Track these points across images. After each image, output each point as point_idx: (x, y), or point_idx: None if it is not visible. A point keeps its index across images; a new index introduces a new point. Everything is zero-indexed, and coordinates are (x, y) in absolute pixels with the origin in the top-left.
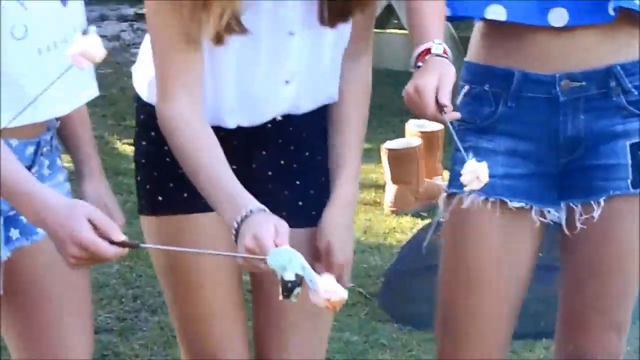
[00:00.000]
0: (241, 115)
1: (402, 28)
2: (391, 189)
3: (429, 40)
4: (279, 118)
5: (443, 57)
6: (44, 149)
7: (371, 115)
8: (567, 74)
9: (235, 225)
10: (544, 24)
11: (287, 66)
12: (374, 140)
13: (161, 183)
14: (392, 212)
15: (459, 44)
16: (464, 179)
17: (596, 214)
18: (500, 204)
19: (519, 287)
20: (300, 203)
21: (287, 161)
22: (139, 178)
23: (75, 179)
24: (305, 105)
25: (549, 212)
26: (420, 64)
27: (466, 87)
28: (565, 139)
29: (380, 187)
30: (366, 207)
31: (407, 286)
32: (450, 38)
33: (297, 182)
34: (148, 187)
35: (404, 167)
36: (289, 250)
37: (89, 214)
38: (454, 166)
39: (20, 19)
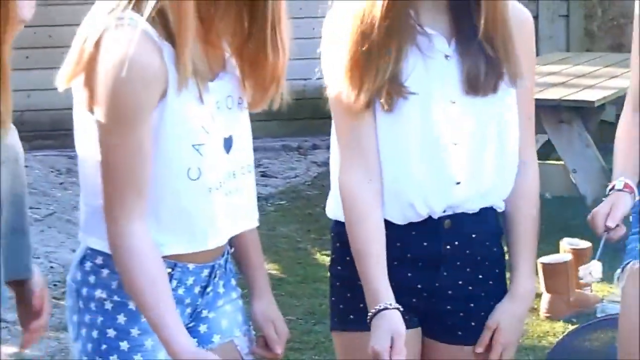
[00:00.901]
0: (426, 184)
1: (559, 159)
2: (546, 298)
3: (616, 178)
4: (457, 243)
5: (624, 191)
6: (218, 272)
7: None
8: None
9: (370, 315)
10: None
11: (453, 129)
12: None
13: (353, 303)
14: (547, 317)
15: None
16: (580, 273)
17: None
18: None
19: None
20: (473, 324)
21: (464, 282)
22: (333, 299)
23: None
24: (475, 190)
25: None
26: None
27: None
28: None
29: (538, 295)
30: None
31: None
32: (601, 169)
33: (472, 305)
34: (341, 307)
35: (557, 279)
36: None
37: None
38: (627, 246)
39: (195, 162)
